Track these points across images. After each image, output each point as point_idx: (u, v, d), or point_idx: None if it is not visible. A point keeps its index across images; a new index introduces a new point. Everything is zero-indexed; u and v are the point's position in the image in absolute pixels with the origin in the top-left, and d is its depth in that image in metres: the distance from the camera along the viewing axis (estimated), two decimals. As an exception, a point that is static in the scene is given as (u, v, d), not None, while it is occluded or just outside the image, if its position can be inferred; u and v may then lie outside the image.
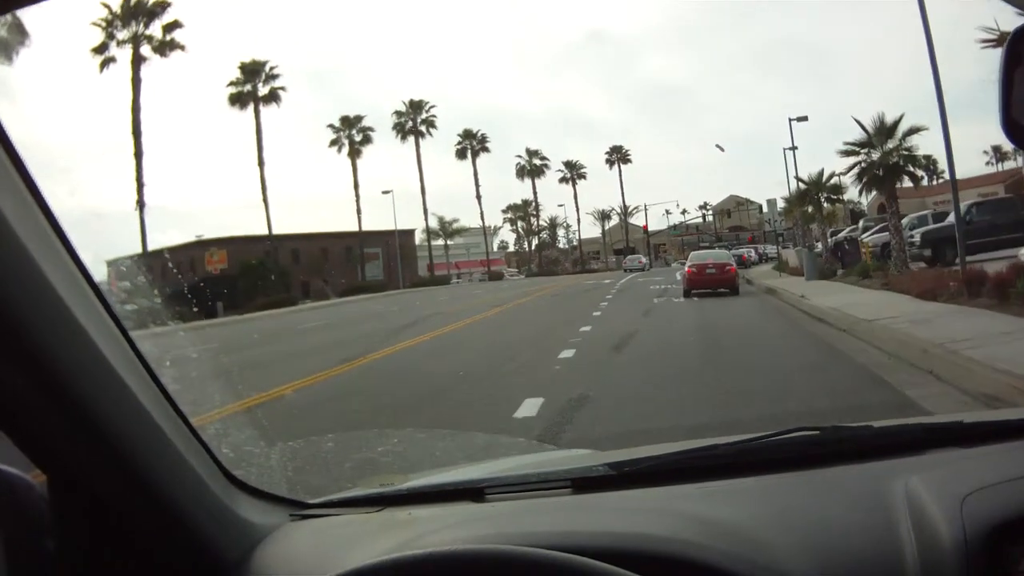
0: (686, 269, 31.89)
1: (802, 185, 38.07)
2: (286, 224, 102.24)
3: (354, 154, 77.74)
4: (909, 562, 1.33)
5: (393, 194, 78.62)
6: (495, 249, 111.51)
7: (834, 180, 36.06)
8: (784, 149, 50.67)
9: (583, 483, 1.78)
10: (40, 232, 1.27)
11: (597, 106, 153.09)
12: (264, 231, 68.04)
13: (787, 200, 43.39)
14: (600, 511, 1.64)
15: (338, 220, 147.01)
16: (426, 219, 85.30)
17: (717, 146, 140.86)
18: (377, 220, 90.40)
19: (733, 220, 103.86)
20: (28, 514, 1.38)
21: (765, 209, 44.63)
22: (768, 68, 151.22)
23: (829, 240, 41.67)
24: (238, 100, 66.55)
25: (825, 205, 37.47)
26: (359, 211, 77.75)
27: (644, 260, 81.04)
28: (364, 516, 1.83)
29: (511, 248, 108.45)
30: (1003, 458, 1.60)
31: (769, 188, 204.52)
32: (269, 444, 2.69)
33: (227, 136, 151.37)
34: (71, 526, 1.42)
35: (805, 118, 42.15)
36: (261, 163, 65.30)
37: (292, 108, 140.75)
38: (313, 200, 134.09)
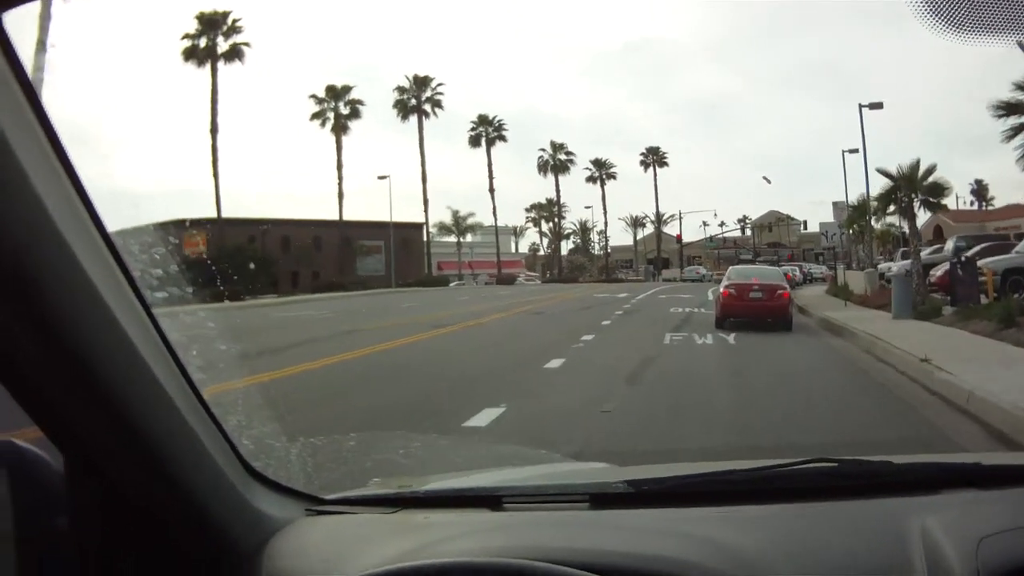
0: (721, 290, 22.02)
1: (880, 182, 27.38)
2: (282, 209, 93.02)
3: (339, 129, 67.80)
4: None
5: (390, 180, 69.53)
6: (521, 250, 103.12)
7: (934, 177, 25.27)
8: (843, 151, 40.47)
9: (601, 498, 1.74)
10: (68, 200, 1.22)
11: (633, 114, 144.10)
12: (271, 214, 59.79)
13: (856, 206, 32.96)
14: (617, 530, 1.59)
15: (349, 208, 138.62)
16: (426, 210, 78.46)
17: (764, 178, 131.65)
18: (382, 210, 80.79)
19: (772, 236, 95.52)
20: (44, 491, 1.37)
21: (830, 217, 33.70)
22: (812, 89, 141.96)
23: (908, 260, 31.43)
24: (193, 55, 56.50)
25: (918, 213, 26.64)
26: (341, 195, 68.10)
27: (703, 271, 76.60)
28: (379, 516, 1.79)
29: (542, 251, 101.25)
30: (1020, 503, 1.58)
31: (805, 208, 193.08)
32: (291, 438, 2.40)
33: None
34: (85, 506, 1.40)
35: (880, 104, 32.14)
36: (214, 130, 55.56)
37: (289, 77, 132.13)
38: (313, 185, 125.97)
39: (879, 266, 36.19)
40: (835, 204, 30.43)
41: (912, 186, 25.09)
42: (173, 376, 1.42)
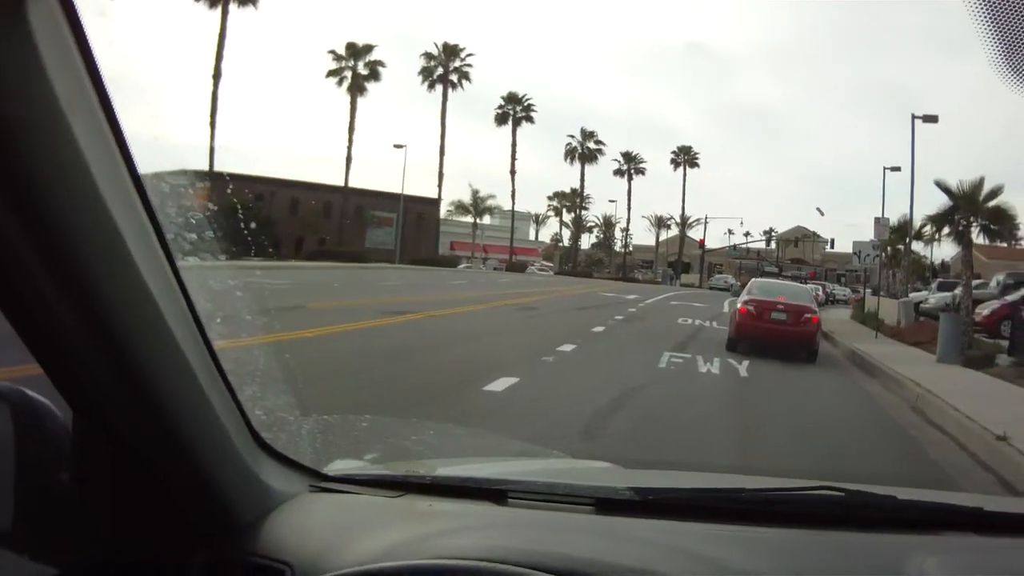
0: (739, 307, 18.22)
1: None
2: (295, 171, 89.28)
3: (355, 90, 63.67)
4: None
5: (406, 151, 65.71)
6: (543, 239, 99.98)
7: (998, 200, 21.41)
8: (885, 168, 36.40)
9: (606, 503, 1.73)
10: (101, 137, 1.15)
11: (672, 114, 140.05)
12: (280, 174, 56.75)
13: (895, 228, 29.11)
14: (622, 540, 1.56)
15: (365, 176, 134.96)
16: (440, 184, 72.64)
17: (817, 209, 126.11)
18: (399, 182, 77.42)
19: (796, 252, 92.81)
20: (50, 444, 1.34)
21: (859, 238, 29.58)
22: (858, 108, 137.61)
23: (945, 292, 27.69)
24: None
25: (976, 239, 22.73)
26: (349, 159, 64.45)
27: (731, 280, 71.60)
28: (383, 499, 1.76)
29: (564, 242, 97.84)
30: (1018, 554, 1.58)
31: (834, 229, 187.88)
32: (304, 412, 2.35)
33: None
34: (90, 462, 1.38)
35: (935, 118, 28.49)
36: (217, 75, 50.76)
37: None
38: (331, 150, 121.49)
39: (911, 296, 32.35)
40: (877, 220, 26.52)
41: (973, 208, 21.25)
42: (192, 337, 1.36)
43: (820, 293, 46.11)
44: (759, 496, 1.77)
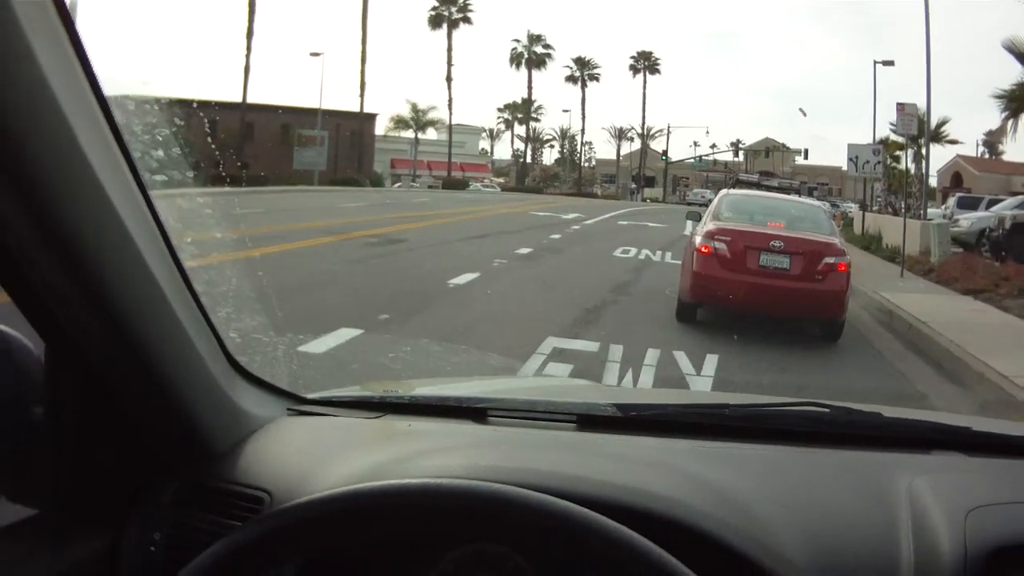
0: (698, 244, 9.50)
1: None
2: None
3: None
4: (904, 566, 1.26)
5: (323, 60, 56.38)
6: (499, 157, 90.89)
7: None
8: (875, 62, 31.20)
9: (588, 420, 1.67)
10: (62, 54, 1.06)
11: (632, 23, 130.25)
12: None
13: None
14: (603, 456, 1.50)
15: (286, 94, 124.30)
16: (362, 93, 61.89)
17: (800, 110, 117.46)
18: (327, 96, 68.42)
19: (767, 164, 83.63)
20: (22, 378, 1.28)
21: (832, 153, 21.24)
22: (826, 24, 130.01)
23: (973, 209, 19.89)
24: None
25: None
26: (247, 69, 52.68)
27: (708, 195, 61.90)
28: (361, 421, 1.70)
29: (528, 160, 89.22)
30: (1008, 475, 1.52)
31: (803, 140, 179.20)
32: (279, 333, 2.23)
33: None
34: (63, 395, 1.32)
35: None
36: None
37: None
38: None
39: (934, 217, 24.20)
40: (901, 106, 17.86)
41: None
42: (164, 260, 1.29)
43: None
44: (743, 412, 1.72)
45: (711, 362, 7.38)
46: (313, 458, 1.49)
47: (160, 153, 1.70)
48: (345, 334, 6.75)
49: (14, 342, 1.28)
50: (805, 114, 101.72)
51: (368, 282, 10.84)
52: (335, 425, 1.68)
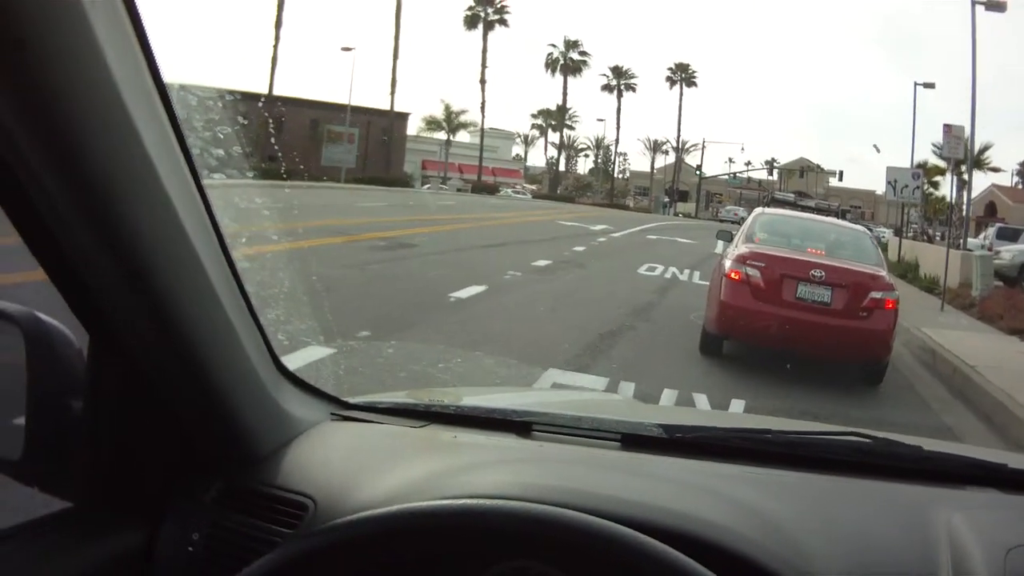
0: (727, 269, 8.35)
1: None
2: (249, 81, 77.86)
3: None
4: None
5: (354, 55, 55.79)
6: (532, 163, 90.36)
7: None
8: (916, 84, 29.82)
9: (631, 439, 1.63)
10: (127, 44, 1.02)
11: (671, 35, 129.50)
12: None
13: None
14: (648, 477, 1.48)
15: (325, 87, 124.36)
16: (393, 91, 60.84)
17: (874, 147, 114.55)
18: (362, 95, 68.05)
19: (801, 184, 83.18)
20: (63, 371, 1.25)
21: (867, 176, 19.77)
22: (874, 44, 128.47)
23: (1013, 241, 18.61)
24: None
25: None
26: (275, 60, 52.34)
27: (741, 213, 60.92)
28: (407, 429, 1.67)
29: (563, 168, 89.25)
30: None
31: (838, 162, 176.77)
32: (328, 338, 2.15)
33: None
34: (104, 389, 1.28)
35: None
36: None
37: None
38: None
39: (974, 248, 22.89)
40: (948, 127, 16.60)
41: None
42: (217, 258, 1.26)
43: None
44: (786, 439, 1.68)
45: (737, 408, 6.36)
46: (359, 466, 1.48)
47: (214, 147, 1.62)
48: (308, 355, 5.78)
49: (56, 333, 1.24)
50: (879, 150, 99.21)
51: (360, 290, 9.86)
52: (379, 432, 1.66)
